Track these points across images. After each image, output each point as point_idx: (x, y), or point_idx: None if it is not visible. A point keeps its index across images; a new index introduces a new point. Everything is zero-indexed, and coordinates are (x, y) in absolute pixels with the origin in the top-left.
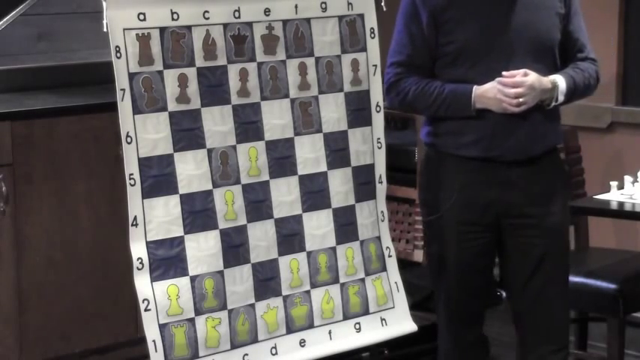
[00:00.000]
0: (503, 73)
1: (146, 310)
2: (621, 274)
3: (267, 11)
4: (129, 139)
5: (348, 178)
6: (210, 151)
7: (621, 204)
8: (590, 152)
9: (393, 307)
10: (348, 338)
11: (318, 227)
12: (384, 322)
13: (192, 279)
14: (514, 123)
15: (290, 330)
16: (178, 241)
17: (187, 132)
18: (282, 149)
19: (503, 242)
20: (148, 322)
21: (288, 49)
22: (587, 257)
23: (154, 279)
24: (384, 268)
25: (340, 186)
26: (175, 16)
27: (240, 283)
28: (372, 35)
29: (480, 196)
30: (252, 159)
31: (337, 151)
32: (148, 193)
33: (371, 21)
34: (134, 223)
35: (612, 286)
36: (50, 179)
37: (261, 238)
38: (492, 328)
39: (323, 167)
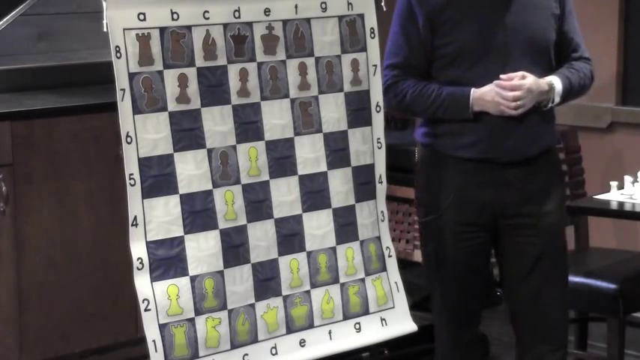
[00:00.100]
0: (501, 76)
1: (146, 310)
2: (621, 274)
3: (267, 11)
4: (129, 139)
5: (348, 178)
6: (210, 151)
7: (621, 204)
8: (590, 152)
9: (393, 307)
10: (348, 338)
11: (318, 227)
12: (384, 322)
13: (192, 279)
14: (511, 125)
15: (290, 330)
16: (178, 241)
17: (187, 132)
18: (282, 149)
19: (500, 242)
20: (148, 322)
21: (288, 49)
22: (587, 257)
23: (154, 279)
24: (384, 268)
25: (340, 186)
26: (175, 16)
27: (240, 283)
28: (372, 35)
29: (476, 196)
30: (252, 159)
31: (337, 151)
32: (148, 193)
33: (371, 21)
34: (134, 223)
35: (612, 286)
36: (50, 179)
37: (261, 238)
38: (492, 328)
39: (323, 167)
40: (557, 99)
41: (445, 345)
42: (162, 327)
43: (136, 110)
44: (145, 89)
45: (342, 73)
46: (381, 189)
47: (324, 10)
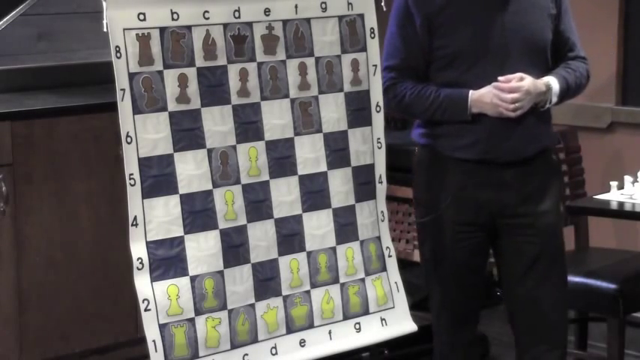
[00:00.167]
0: (499, 78)
1: (146, 310)
2: (621, 274)
3: (267, 11)
4: (129, 139)
5: (348, 178)
6: (210, 151)
7: (621, 204)
8: (590, 152)
9: (393, 307)
10: (348, 338)
11: (318, 227)
12: (384, 322)
13: (192, 279)
14: (509, 126)
15: (290, 330)
16: (178, 241)
17: (187, 132)
18: (282, 149)
19: (498, 242)
20: (148, 322)
21: (288, 49)
22: (587, 257)
23: (153, 279)
24: (384, 268)
25: (340, 186)
26: (175, 16)
27: (240, 283)
28: (372, 35)
29: (475, 196)
30: (252, 159)
31: (337, 151)
32: (148, 193)
33: (371, 21)
34: (134, 223)
35: (612, 286)
36: (50, 179)
37: (261, 238)
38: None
39: (323, 167)
40: (554, 99)
41: (443, 345)
42: (162, 327)
43: (136, 110)
44: (145, 89)
45: (342, 73)
46: (381, 189)
47: (324, 10)
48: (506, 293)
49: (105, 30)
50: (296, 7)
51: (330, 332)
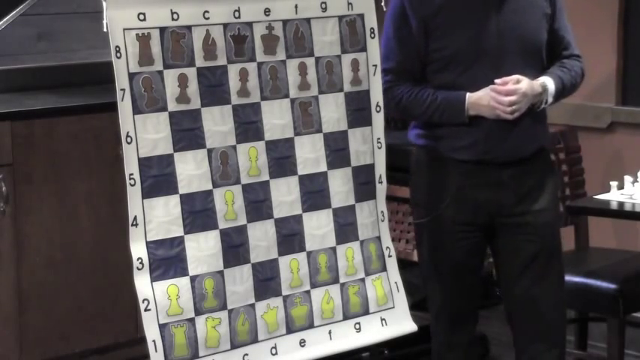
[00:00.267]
0: (496, 81)
1: (146, 310)
2: (621, 274)
3: (267, 11)
4: (129, 139)
5: (348, 178)
6: (210, 151)
7: (621, 204)
8: (590, 152)
9: (393, 307)
10: (348, 338)
11: (318, 227)
12: (384, 322)
13: (192, 279)
14: (506, 127)
15: (290, 330)
16: (178, 241)
17: (187, 132)
18: (282, 149)
19: (496, 241)
20: (148, 322)
21: (288, 49)
22: (587, 257)
23: (153, 279)
24: (384, 268)
25: (340, 186)
26: (175, 16)
27: (240, 283)
28: (372, 35)
29: (473, 196)
30: (252, 159)
31: (337, 151)
32: (148, 193)
33: (371, 21)
34: (134, 223)
35: (612, 286)
36: (50, 179)
37: (261, 238)
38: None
39: (323, 167)
40: (550, 100)
41: (441, 345)
42: (162, 327)
43: (136, 110)
44: (145, 89)
45: (342, 73)
46: (381, 189)
47: (324, 10)
48: (504, 293)
49: (105, 30)
50: (296, 7)
51: (330, 332)
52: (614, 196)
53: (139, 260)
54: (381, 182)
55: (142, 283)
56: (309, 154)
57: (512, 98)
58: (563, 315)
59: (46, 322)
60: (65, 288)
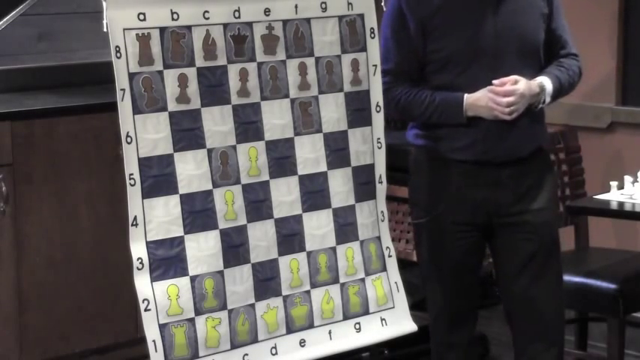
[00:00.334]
0: (494, 81)
1: (146, 310)
2: (621, 274)
3: (267, 11)
4: (129, 139)
5: (348, 178)
6: (210, 151)
7: (621, 204)
8: (590, 152)
9: (393, 307)
10: (348, 338)
11: (318, 227)
12: (384, 322)
13: (192, 279)
14: (504, 127)
15: (290, 330)
16: (178, 241)
17: (187, 132)
18: (282, 149)
19: (495, 241)
20: (148, 322)
21: (288, 49)
22: (587, 257)
23: (153, 279)
24: (384, 268)
25: (340, 186)
26: (175, 16)
27: (240, 283)
28: (372, 35)
29: (471, 196)
30: (252, 159)
31: (337, 151)
32: (148, 193)
33: (371, 21)
34: (134, 223)
35: (612, 286)
36: (50, 179)
37: (261, 238)
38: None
39: (323, 167)
40: (547, 99)
41: (440, 345)
42: (162, 327)
43: (136, 110)
44: (145, 89)
45: (342, 73)
46: (381, 189)
47: (324, 10)
48: (503, 292)
49: (105, 30)
50: (296, 7)
51: (330, 332)
52: (614, 196)
53: (139, 260)
54: (381, 182)
55: (142, 283)
56: (309, 154)
57: (510, 99)
58: (561, 314)
59: (46, 322)
60: (65, 288)
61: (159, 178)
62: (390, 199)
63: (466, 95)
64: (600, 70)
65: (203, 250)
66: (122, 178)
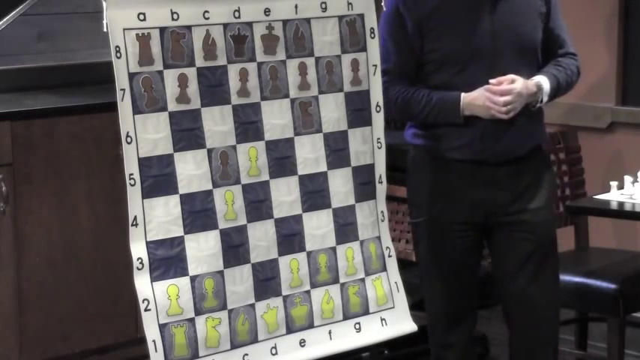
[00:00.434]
0: (491, 81)
1: (146, 310)
2: (621, 274)
3: (267, 11)
4: (129, 139)
5: (348, 178)
6: (210, 151)
7: (621, 204)
8: (590, 152)
9: (393, 307)
10: (348, 338)
11: (318, 227)
12: (384, 322)
13: (192, 279)
14: (501, 126)
15: (290, 330)
16: (178, 241)
17: (187, 132)
18: (282, 149)
19: (492, 240)
20: (148, 322)
21: (288, 49)
22: (587, 257)
23: (154, 279)
24: (384, 268)
25: (340, 186)
26: (175, 16)
27: (240, 283)
28: (372, 35)
29: (468, 196)
30: (252, 159)
31: (337, 151)
32: (148, 193)
33: (371, 21)
34: (134, 223)
35: (612, 286)
36: (50, 179)
37: (261, 238)
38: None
39: (323, 167)
40: (545, 99)
41: (438, 345)
42: (162, 327)
43: (136, 110)
44: (145, 89)
45: (342, 73)
46: (381, 189)
47: (324, 10)
48: (500, 291)
49: (105, 30)
50: (296, 7)
51: (330, 332)
52: (614, 196)
53: (139, 260)
54: (381, 182)
55: (142, 283)
56: (309, 154)
57: (507, 98)
58: (557, 314)
59: (46, 322)
60: (65, 288)
61: (159, 178)
62: (390, 199)
63: (463, 94)
64: (600, 70)
65: (203, 250)
66: (122, 178)
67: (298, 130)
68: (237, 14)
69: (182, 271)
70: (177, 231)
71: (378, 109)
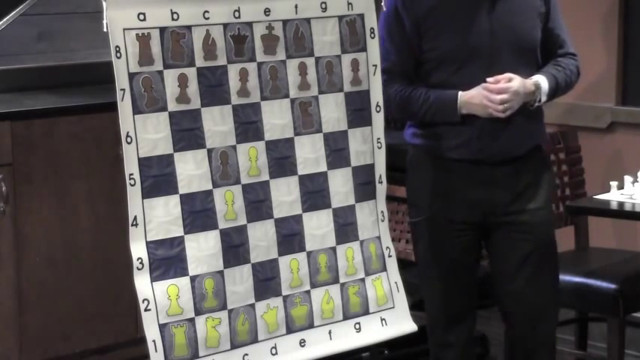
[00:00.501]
0: (488, 79)
1: (146, 310)
2: (621, 274)
3: (267, 11)
4: (129, 139)
5: (348, 178)
6: (210, 151)
7: (621, 204)
8: (590, 152)
9: (393, 307)
10: (348, 338)
11: (318, 227)
12: (384, 322)
13: (192, 279)
14: (499, 125)
15: (290, 330)
16: (178, 241)
17: (187, 132)
18: (282, 149)
19: (491, 240)
20: (148, 322)
21: (288, 49)
22: (587, 257)
23: (153, 279)
24: (384, 268)
25: (340, 186)
26: (175, 16)
27: (240, 283)
28: (372, 35)
29: (466, 195)
30: (252, 159)
31: (337, 151)
32: (148, 193)
33: (371, 21)
34: (134, 223)
35: (612, 286)
36: (50, 179)
37: (261, 238)
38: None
39: (323, 167)
40: (543, 98)
41: (437, 345)
42: (162, 327)
43: (136, 110)
44: (145, 89)
45: (342, 73)
46: (381, 189)
47: (324, 10)
48: (498, 291)
49: (105, 30)
50: (296, 7)
51: (330, 332)
52: (614, 196)
53: (139, 260)
54: (381, 182)
55: (142, 283)
56: (309, 154)
57: (504, 96)
58: (555, 314)
59: (46, 322)
60: (65, 288)
61: (159, 178)
62: (390, 199)
63: (460, 93)
64: (600, 70)
65: (203, 250)
66: (122, 178)
67: (298, 130)
68: (237, 14)
69: (182, 271)
70: (177, 231)
71: (378, 109)
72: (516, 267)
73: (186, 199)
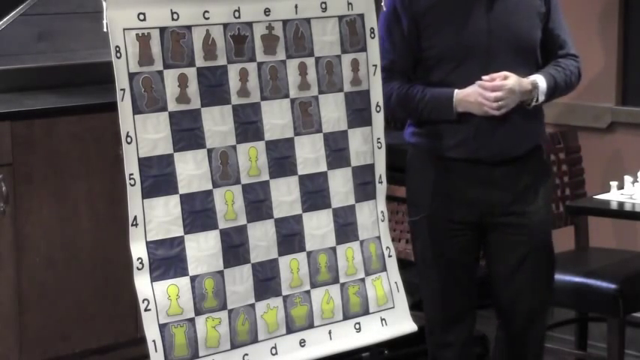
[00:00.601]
0: (483, 77)
1: (146, 310)
2: (621, 274)
3: (267, 11)
4: (129, 139)
5: (348, 178)
6: (210, 151)
7: (621, 204)
8: (590, 152)
9: (393, 307)
10: (348, 338)
11: (318, 227)
12: (384, 322)
13: (192, 279)
14: (496, 124)
15: (290, 330)
16: (178, 241)
17: (187, 132)
18: (282, 149)
19: (488, 240)
20: (148, 322)
21: (288, 49)
22: (587, 257)
23: (154, 279)
24: (384, 268)
25: (340, 186)
26: (175, 16)
27: (240, 283)
28: (372, 35)
29: (464, 195)
30: (252, 159)
31: (337, 151)
32: (148, 193)
33: (371, 21)
34: (134, 223)
35: (612, 286)
36: (50, 179)
37: (261, 238)
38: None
39: (323, 167)
40: (541, 98)
41: (435, 344)
42: (162, 327)
43: (136, 110)
44: (145, 89)
45: (342, 73)
46: (381, 189)
47: (324, 10)
48: (494, 291)
49: (105, 30)
50: (296, 7)
51: (330, 332)
52: (614, 196)
53: (139, 260)
54: (381, 182)
55: (142, 283)
56: (309, 154)
57: (499, 94)
58: (547, 314)
59: (46, 322)
60: (65, 288)
61: (159, 178)
62: (390, 199)
63: (456, 91)
64: (600, 70)
65: (203, 250)
66: (122, 178)
67: (298, 130)
68: (237, 14)
69: (182, 271)
70: (177, 231)
71: (378, 109)
72: (513, 268)
73: (186, 199)
